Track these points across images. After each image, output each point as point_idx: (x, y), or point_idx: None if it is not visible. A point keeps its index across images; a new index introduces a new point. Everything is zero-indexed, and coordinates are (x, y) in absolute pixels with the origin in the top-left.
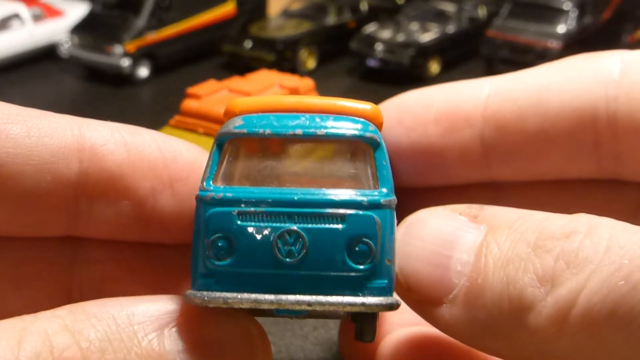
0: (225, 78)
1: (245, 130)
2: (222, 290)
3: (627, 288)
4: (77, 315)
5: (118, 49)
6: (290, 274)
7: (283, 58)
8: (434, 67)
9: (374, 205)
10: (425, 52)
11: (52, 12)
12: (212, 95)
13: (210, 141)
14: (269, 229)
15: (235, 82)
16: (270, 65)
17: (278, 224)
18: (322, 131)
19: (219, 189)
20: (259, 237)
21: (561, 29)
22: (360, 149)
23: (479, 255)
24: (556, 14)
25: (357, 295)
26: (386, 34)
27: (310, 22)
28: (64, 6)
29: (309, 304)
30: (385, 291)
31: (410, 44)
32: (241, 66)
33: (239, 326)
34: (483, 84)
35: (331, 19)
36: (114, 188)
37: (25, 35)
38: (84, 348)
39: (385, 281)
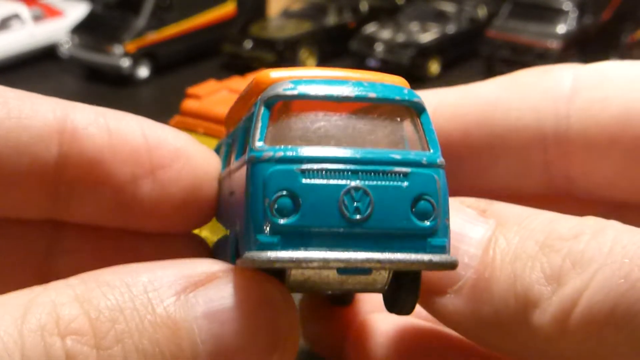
0: (225, 78)
1: (296, 92)
2: (285, 249)
3: (626, 287)
4: (89, 283)
5: (118, 49)
6: (356, 231)
7: (283, 58)
8: (434, 67)
9: (432, 165)
10: (425, 52)
11: (52, 12)
12: (212, 96)
13: (210, 141)
14: (334, 186)
15: (235, 82)
16: (270, 66)
17: (344, 181)
18: (373, 94)
19: (276, 148)
20: (325, 194)
21: (561, 29)
22: (408, 112)
23: (487, 249)
24: (556, 14)
25: (421, 253)
26: (386, 34)
27: (310, 22)
28: (64, 6)
29: (379, 261)
30: (445, 250)
31: (410, 44)
32: (241, 66)
33: (261, 291)
34: (429, 97)
35: (331, 19)
36: (93, 173)
37: (25, 35)
38: (93, 318)
39: (445, 240)
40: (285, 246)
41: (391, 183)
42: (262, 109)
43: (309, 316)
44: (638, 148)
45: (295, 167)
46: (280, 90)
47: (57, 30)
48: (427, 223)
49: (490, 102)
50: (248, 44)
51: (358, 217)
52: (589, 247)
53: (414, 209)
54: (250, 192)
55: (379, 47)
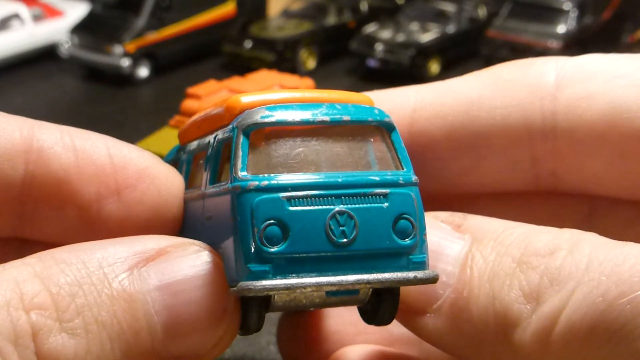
0: (225, 78)
1: (274, 119)
2: (278, 277)
3: (604, 305)
4: (46, 262)
5: (118, 49)
6: (344, 254)
7: (283, 58)
8: (434, 67)
9: (408, 183)
10: (425, 52)
11: (52, 12)
12: (212, 95)
13: None
14: (320, 212)
15: (235, 82)
16: (270, 66)
17: (328, 206)
18: (347, 117)
19: (260, 177)
20: (311, 220)
21: (561, 29)
22: (379, 133)
23: (464, 267)
24: (556, 14)
25: (405, 271)
26: (386, 34)
27: (310, 22)
28: (64, 6)
29: (369, 282)
30: (426, 265)
31: (410, 44)
32: (241, 66)
33: (208, 265)
34: (410, 94)
35: (331, 19)
36: (59, 192)
37: (25, 35)
38: (54, 293)
39: (425, 255)
40: (276, 273)
41: (373, 205)
42: (242, 137)
43: (285, 333)
44: (624, 145)
45: (281, 195)
46: (258, 118)
47: (57, 30)
48: (408, 241)
49: (474, 101)
50: (248, 44)
51: (344, 240)
52: (565, 264)
53: (394, 228)
54: (238, 222)
55: (379, 47)
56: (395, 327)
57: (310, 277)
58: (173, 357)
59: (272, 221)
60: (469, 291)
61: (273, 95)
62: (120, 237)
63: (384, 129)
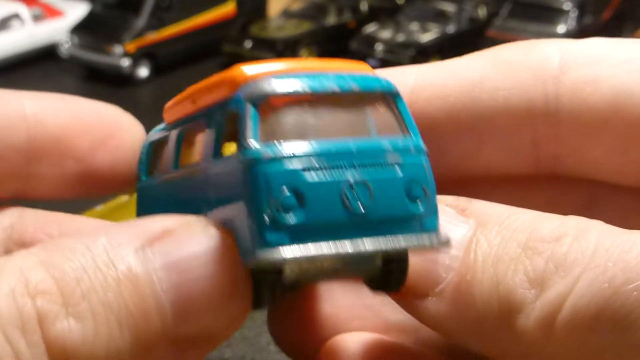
0: None
1: (283, 89)
2: (295, 246)
3: (610, 292)
4: (50, 250)
5: (118, 49)
6: (360, 222)
7: (283, 58)
8: None
9: (418, 150)
10: (425, 52)
11: (52, 12)
12: None
13: None
14: (335, 180)
15: None
16: None
17: (343, 175)
18: (355, 86)
19: (273, 147)
20: (327, 189)
21: (561, 29)
22: (385, 101)
23: (468, 251)
24: (556, 14)
25: (419, 235)
26: (386, 34)
27: (310, 22)
28: (64, 6)
29: (387, 247)
30: (438, 231)
31: (410, 44)
32: None
33: (216, 241)
34: (410, 74)
35: (331, 19)
36: (58, 148)
37: (25, 35)
38: (58, 279)
39: (437, 221)
40: (293, 243)
41: (386, 172)
42: (251, 108)
43: (282, 319)
44: (626, 131)
45: (295, 164)
46: (266, 88)
47: (57, 30)
48: (421, 207)
49: (476, 82)
50: (248, 44)
51: (360, 208)
52: (572, 250)
53: (408, 196)
54: (253, 192)
55: (379, 47)
56: (392, 314)
57: (328, 245)
58: (186, 338)
59: (287, 190)
60: (473, 275)
61: (276, 66)
62: (124, 221)
63: (390, 97)
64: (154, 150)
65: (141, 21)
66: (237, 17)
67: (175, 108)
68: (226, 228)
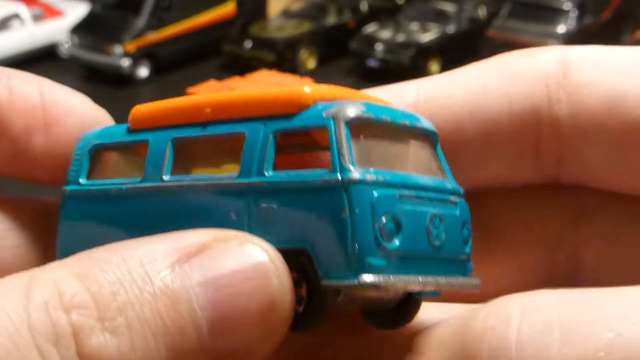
0: (226, 78)
1: (372, 117)
2: (392, 273)
3: None
4: (85, 261)
5: (118, 49)
6: (436, 256)
7: (283, 58)
8: (434, 67)
9: (462, 193)
10: (425, 52)
11: (52, 12)
12: None
13: None
14: (422, 213)
15: (236, 82)
16: (271, 66)
17: (427, 208)
18: (419, 124)
19: (374, 172)
20: (417, 220)
21: (561, 29)
22: (431, 142)
23: None
24: (556, 14)
25: (467, 277)
26: (386, 34)
27: (310, 22)
28: (64, 6)
29: (451, 284)
30: (472, 273)
31: (410, 44)
32: (241, 66)
33: (252, 257)
34: (410, 90)
35: (331, 19)
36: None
37: (25, 35)
38: (94, 292)
39: (471, 264)
40: (390, 269)
41: (452, 211)
42: (345, 129)
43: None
44: (622, 134)
45: (395, 192)
46: (359, 112)
47: (57, 30)
48: (468, 249)
49: (480, 89)
50: (248, 44)
51: (438, 243)
52: (521, 338)
53: (461, 236)
54: (357, 215)
55: (379, 47)
56: None
57: (416, 275)
58: (222, 354)
59: (388, 217)
60: None
61: (335, 91)
62: (161, 234)
63: (434, 138)
64: (104, 153)
65: (141, 21)
66: (237, 17)
67: (158, 114)
68: (284, 246)
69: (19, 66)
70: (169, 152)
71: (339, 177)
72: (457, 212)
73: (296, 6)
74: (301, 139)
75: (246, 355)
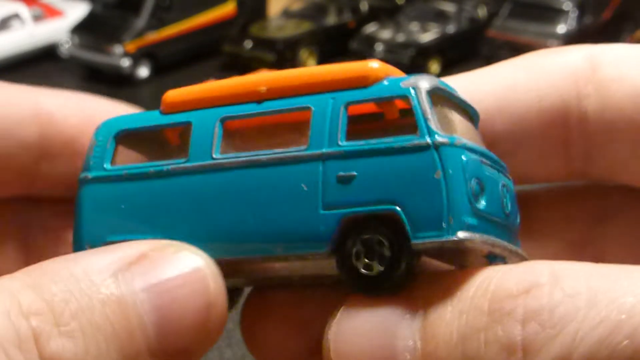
0: (225, 78)
1: (446, 89)
2: (481, 232)
3: (632, 348)
4: (35, 273)
5: (118, 49)
6: (505, 224)
7: (283, 58)
8: (434, 67)
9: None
10: (425, 52)
11: (52, 12)
12: None
13: None
14: (497, 180)
15: None
16: (271, 66)
17: (499, 177)
18: (469, 103)
19: (455, 137)
20: (494, 186)
21: (561, 29)
22: (475, 120)
23: (426, 338)
24: (556, 14)
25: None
26: (386, 34)
27: (310, 22)
28: (64, 6)
29: (522, 256)
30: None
31: (410, 44)
32: (241, 66)
33: (190, 263)
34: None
35: (331, 19)
36: (71, 148)
37: (25, 35)
38: (48, 300)
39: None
40: (477, 229)
41: (511, 184)
42: (427, 97)
43: (251, 319)
44: None
45: (478, 157)
46: (437, 83)
47: (57, 30)
48: (519, 221)
49: (509, 84)
50: (248, 44)
51: (507, 211)
52: (554, 301)
53: (517, 208)
54: (450, 175)
55: (379, 47)
56: None
57: (498, 238)
58: (168, 354)
59: (475, 179)
60: None
61: (395, 70)
62: (102, 247)
63: (476, 118)
64: (130, 139)
65: (141, 21)
66: (237, 17)
67: (198, 95)
68: (370, 210)
69: (19, 66)
70: (218, 131)
71: (429, 140)
72: (512, 186)
73: (296, 6)
74: (363, 112)
75: (190, 353)
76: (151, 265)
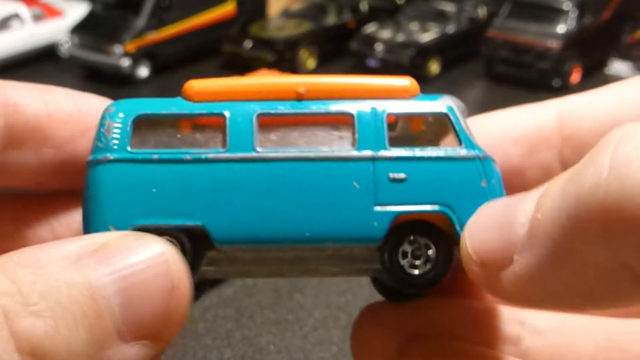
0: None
1: (465, 109)
2: None
3: None
4: (1, 260)
5: (118, 49)
6: None
7: (283, 58)
8: (434, 67)
9: None
10: (425, 52)
11: (52, 12)
12: None
13: None
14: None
15: None
16: (270, 66)
17: None
18: None
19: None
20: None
21: (561, 29)
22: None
23: (539, 199)
24: (556, 14)
25: None
26: (386, 34)
27: (310, 22)
28: (64, 6)
29: None
30: None
31: (410, 44)
32: (241, 66)
33: (152, 248)
34: (553, 105)
35: (331, 19)
36: (34, 137)
37: (25, 35)
38: (14, 280)
39: None
40: None
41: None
42: (462, 115)
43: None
44: None
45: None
46: (461, 104)
47: (57, 30)
48: None
49: (618, 100)
50: (248, 44)
51: None
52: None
53: None
54: (492, 185)
55: (379, 47)
56: None
57: None
58: (135, 336)
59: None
60: (544, 210)
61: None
62: (65, 238)
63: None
64: (149, 124)
65: (141, 21)
66: (237, 17)
67: (232, 88)
68: (422, 211)
69: (19, 66)
70: (255, 124)
71: (474, 153)
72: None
73: (296, 6)
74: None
75: (156, 336)
76: (115, 251)
